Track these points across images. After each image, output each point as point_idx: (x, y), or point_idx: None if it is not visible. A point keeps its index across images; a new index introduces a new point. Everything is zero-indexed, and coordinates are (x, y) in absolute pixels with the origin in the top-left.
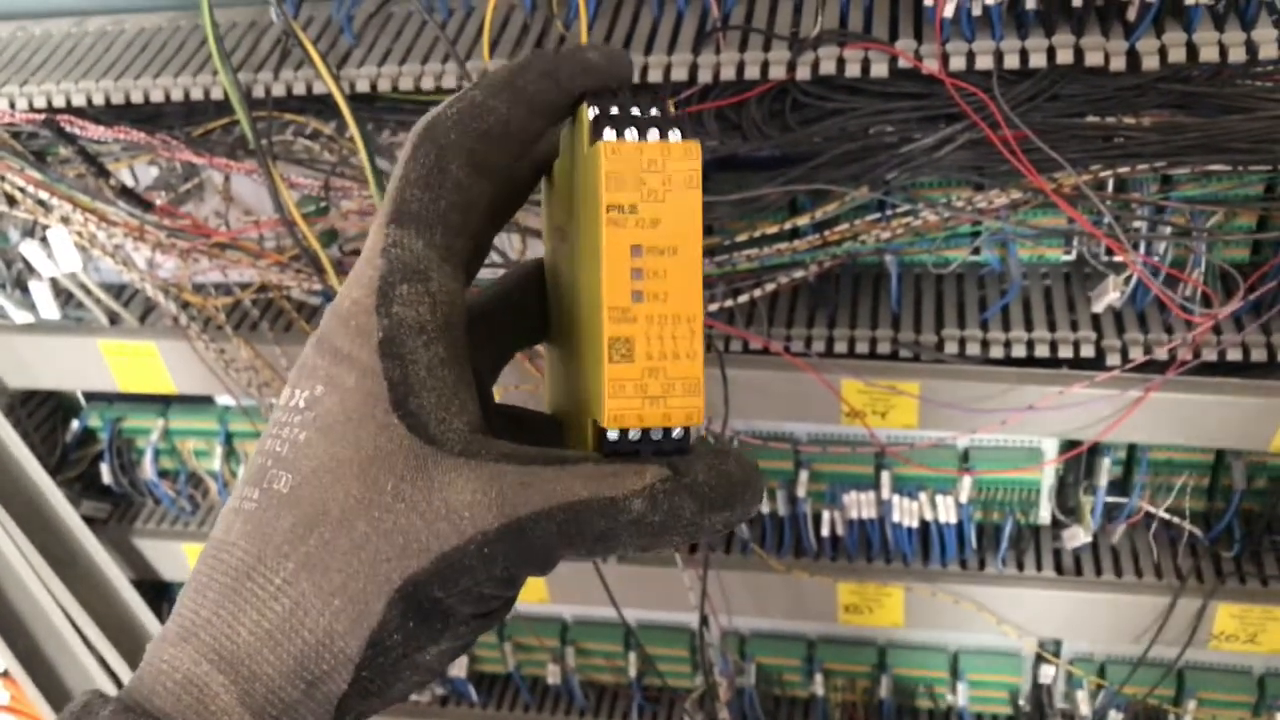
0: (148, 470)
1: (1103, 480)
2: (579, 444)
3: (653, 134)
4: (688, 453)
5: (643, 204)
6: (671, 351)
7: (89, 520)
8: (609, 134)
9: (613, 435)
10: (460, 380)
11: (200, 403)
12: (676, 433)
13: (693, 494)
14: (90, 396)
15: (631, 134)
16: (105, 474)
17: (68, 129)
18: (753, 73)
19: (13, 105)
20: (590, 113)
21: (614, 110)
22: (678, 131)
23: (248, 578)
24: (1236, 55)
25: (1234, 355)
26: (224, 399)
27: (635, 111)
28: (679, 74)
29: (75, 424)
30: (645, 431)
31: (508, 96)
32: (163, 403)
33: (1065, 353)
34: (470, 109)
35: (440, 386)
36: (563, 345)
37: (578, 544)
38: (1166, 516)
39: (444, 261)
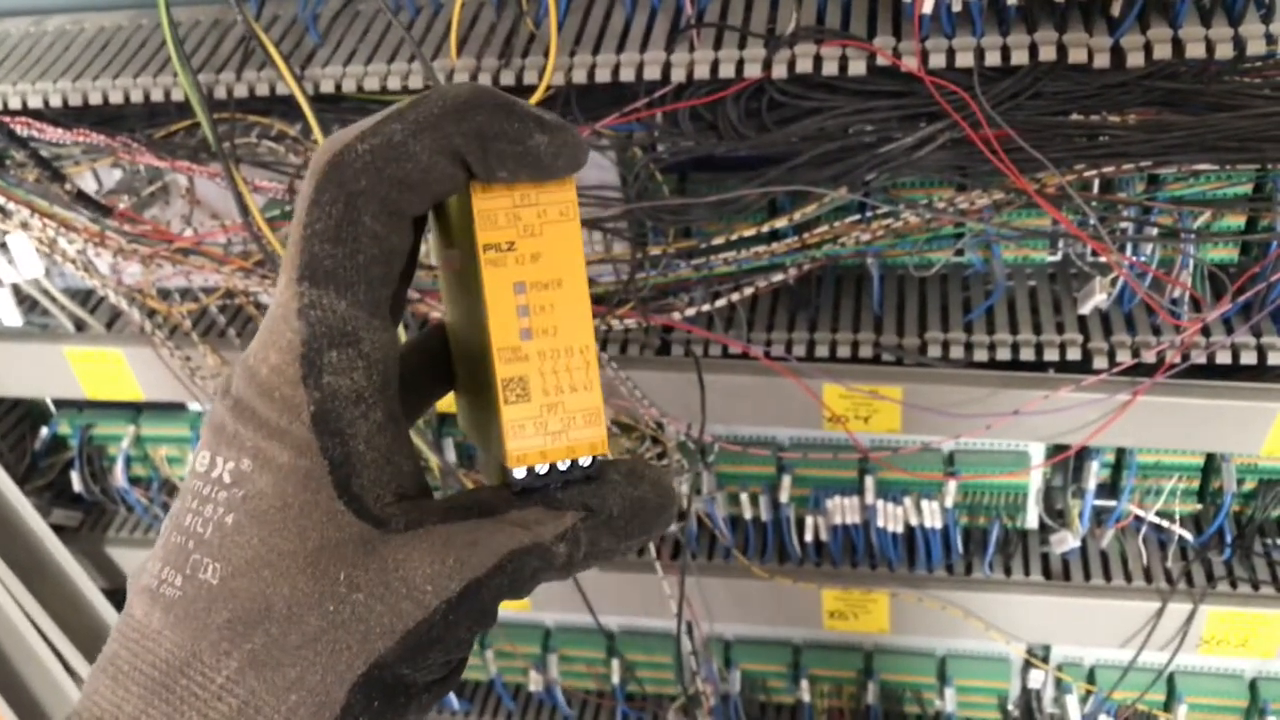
0: (119, 477)
1: (1091, 483)
2: (495, 479)
3: None
4: (596, 479)
5: (520, 240)
6: (568, 385)
7: (59, 529)
8: None
9: (519, 473)
10: (396, 440)
11: (172, 409)
12: (584, 460)
13: (610, 529)
14: (60, 403)
15: None
16: (76, 482)
17: (23, 132)
18: (728, 71)
19: None
20: None
21: None
22: None
23: (181, 674)
24: (1223, 51)
25: (1223, 358)
26: (196, 405)
27: None
28: (652, 72)
29: (45, 431)
30: (552, 465)
31: (430, 142)
32: (134, 409)
33: (1051, 356)
34: (386, 149)
35: (378, 458)
36: (467, 381)
37: (519, 589)
38: (1156, 520)
39: (373, 317)
